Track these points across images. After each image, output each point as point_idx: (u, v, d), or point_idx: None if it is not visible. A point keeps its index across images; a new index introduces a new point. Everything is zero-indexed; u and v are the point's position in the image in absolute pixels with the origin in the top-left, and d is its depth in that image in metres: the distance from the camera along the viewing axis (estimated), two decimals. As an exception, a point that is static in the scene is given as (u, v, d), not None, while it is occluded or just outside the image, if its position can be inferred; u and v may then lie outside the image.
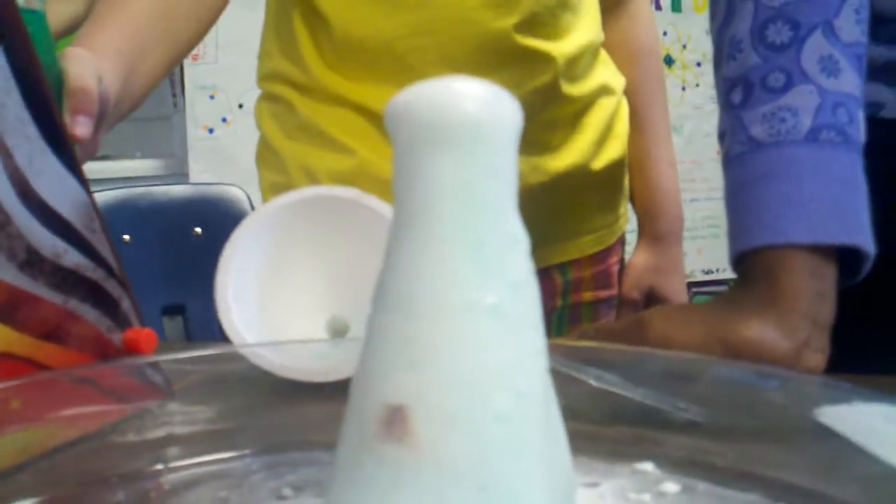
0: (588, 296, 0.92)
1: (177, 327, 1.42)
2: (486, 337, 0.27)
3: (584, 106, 0.85)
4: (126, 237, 1.40)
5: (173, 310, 1.42)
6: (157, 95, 2.35)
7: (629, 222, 0.97)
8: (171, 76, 2.24)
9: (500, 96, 0.27)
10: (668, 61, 2.43)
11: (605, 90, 0.88)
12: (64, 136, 0.41)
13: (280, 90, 0.86)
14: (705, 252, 2.30)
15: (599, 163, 0.87)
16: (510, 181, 0.28)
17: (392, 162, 0.27)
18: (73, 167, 0.42)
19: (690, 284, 2.30)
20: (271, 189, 0.88)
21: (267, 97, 0.90)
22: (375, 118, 0.81)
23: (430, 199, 0.27)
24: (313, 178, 0.83)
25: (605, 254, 0.93)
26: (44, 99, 0.40)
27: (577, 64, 0.83)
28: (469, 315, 0.27)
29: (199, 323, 1.42)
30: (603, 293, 0.94)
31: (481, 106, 0.27)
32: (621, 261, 0.97)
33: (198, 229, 1.48)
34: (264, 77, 0.90)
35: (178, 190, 1.56)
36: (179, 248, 1.45)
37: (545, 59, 0.79)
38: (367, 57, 0.79)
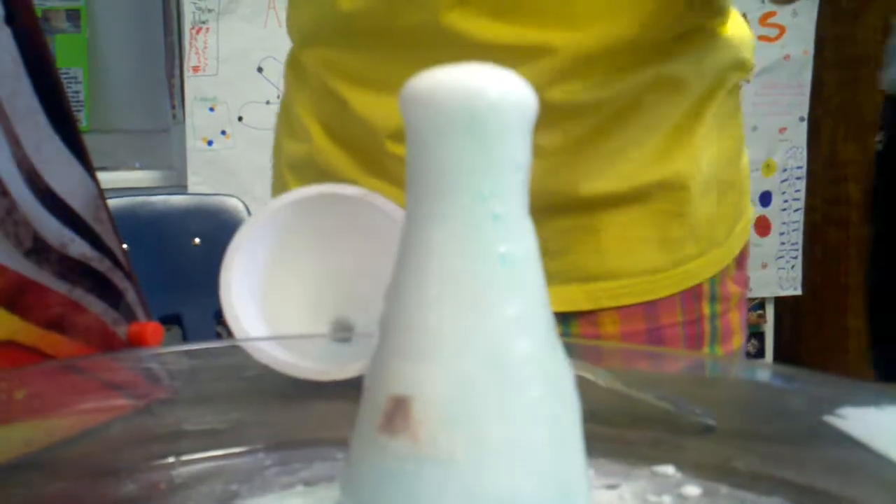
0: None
1: (174, 337, 1.41)
2: (494, 330, 0.26)
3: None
4: (124, 246, 1.39)
5: (170, 319, 1.41)
6: (156, 107, 2.35)
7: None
8: (171, 88, 2.23)
9: (519, 84, 0.27)
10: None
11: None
12: (73, 124, 0.40)
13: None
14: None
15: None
16: (526, 168, 0.28)
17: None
18: (81, 156, 0.41)
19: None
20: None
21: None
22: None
23: (446, 184, 0.27)
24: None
25: (651, 306, 0.63)
26: (54, 86, 0.39)
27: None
28: (478, 306, 0.26)
29: (197, 333, 1.41)
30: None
31: (503, 94, 0.27)
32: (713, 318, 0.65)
33: (196, 239, 1.47)
34: None
35: (177, 200, 1.55)
36: (178, 257, 1.44)
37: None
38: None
